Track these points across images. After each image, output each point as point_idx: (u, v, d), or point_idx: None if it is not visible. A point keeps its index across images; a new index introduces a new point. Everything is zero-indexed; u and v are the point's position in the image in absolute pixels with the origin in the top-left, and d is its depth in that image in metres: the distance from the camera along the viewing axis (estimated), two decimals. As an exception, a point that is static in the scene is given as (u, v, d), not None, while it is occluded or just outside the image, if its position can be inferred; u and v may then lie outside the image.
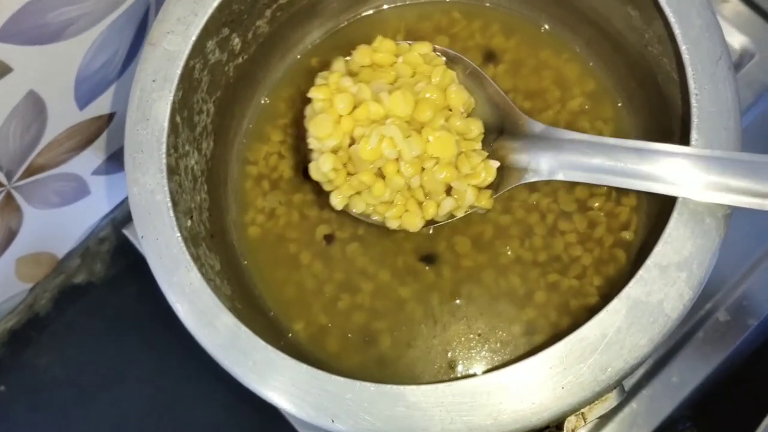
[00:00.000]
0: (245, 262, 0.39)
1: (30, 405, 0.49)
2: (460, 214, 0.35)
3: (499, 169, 0.34)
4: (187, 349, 0.46)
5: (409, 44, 0.36)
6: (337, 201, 0.34)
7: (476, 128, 0.34)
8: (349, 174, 0.34)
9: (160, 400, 0.48)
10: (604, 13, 0.37)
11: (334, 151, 0.34)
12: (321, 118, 0.33)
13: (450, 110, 0.34)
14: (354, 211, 0.35)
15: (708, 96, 0.29)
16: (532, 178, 0.34)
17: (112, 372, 0.49)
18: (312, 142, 0.34)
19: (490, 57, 0.40)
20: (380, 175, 0.33)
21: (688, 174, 0.29)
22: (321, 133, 0.33)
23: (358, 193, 0.34)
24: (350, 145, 0.33)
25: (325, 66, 0.37)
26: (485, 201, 0.35)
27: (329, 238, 0.39)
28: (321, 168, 0.34)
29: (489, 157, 0.34)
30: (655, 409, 0.41)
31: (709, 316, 0.41)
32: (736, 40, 0.45)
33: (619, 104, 0.39)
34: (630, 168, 0.31)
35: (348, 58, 0.36)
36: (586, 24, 0.39)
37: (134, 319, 0.49)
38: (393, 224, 0.35)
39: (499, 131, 0.36)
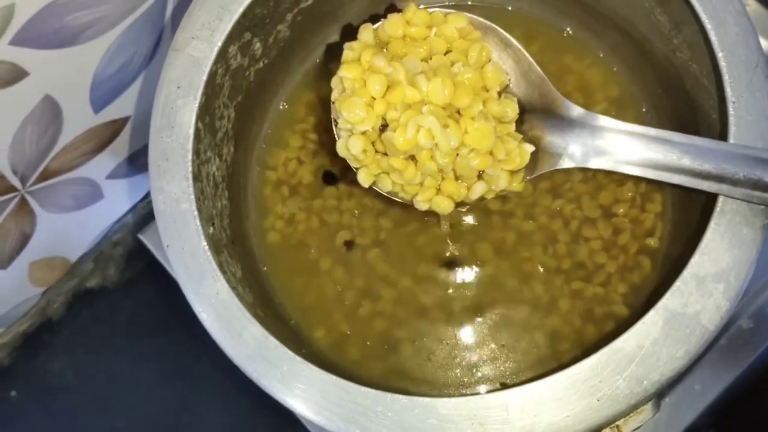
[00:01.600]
0: (265, 269, 0.39)
1: (42, 410, 0.48)
2: (490, 196, 0.33)
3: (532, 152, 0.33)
4: (201, 354, 0.47)
5: (444, 14, 0.33)
6: (364, 179, 0.33)
7: (512, 111, 0.32)
8: (377, 152, 0.32)
9: (173, 405, 0.48)
10: (630, 18, 0.37)
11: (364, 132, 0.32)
12: (353, 101, 0.31)
13: (486, 90, 0.32)
14: (381, 189, 0.34)
15: (745, 104, 0.29)
16: (566, 164, 0.33)
17: (124, 377, 0.48)
18: (342, 122, 0.32)
19: None
20: (412, 158, 0.32)
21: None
22: (353, 118, 0.31)
23: (387, 172, 0.33)
24: (381, 126, 0.32)
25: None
26: (517, 185, 0.33)
27: (349, 244, 0.39)
28: (350, 150, 0.32)
29: (522, 138, 0.33)
30: (678, 418, 0.40)
31: (732, 323, 0.41)
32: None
33: (644, 110, 0.39)
34: (669, 160, 0.30)
35: (376, 25, 0.33)
36: (611, 29, 0.38)
37: (147, 324, 0.49)
38: (422, 206, 0.33)
39: (526, 108, 0.34)
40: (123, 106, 0.42)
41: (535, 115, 0.34)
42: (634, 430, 0.27)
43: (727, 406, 0.41)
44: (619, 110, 0.39)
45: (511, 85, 0.34)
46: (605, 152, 0.32)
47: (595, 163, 0.32)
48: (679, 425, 0.40)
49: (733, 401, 0.41)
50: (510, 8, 0.41)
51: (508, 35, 0.34)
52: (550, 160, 0.33)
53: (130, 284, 0.50)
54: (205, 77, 0.32)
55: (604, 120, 0.32)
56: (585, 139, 0.32)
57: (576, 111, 0.33)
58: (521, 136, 0.33)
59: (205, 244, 0.30)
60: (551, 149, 0.33)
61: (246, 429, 0.46)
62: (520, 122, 0.33)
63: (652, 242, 0.37)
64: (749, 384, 0.41)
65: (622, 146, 0.31)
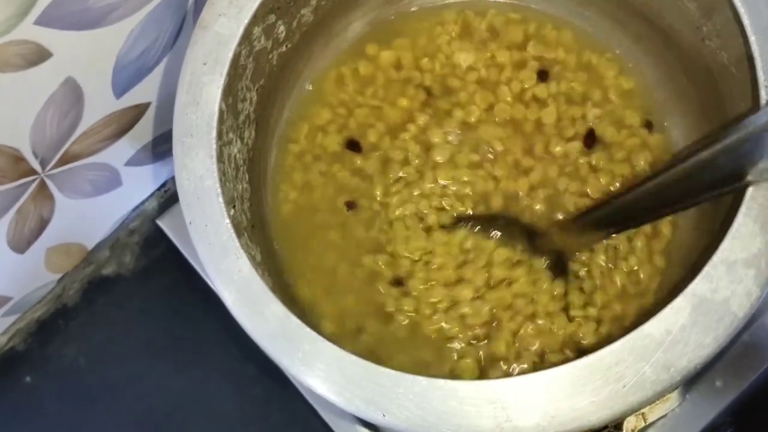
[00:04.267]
0: (277, 247, 0.39)
1: (56, 396, 0.48)
2: None
3: None
4: (215, 343, 0.46)
5: None
6: None
7: None
8: None
9: (187, 393, 0.47)
10: (656, 7, 0.36)
11: None
12: None
13: None
14: None
15: (778, 89, 0.29)
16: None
17: (139, 364, 0.48)
18: None
19: (542, 75, 0.40)
20: None
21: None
22: None
23: None
24: None
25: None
26: None
27: (351, 205, 0.39)
28: None
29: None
30: (698, 414, 0.40)
31: (755, 319, 0.40)
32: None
33: (664, 97, 0.39)
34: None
35: None
36: (636, 18, 0.38)
37: (163, 312, 0.49)
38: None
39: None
40: (144, 91, 0.42)
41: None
42: (660, 418, 0.27)
43: (748, 404, 0.40)
44: (642, 100, 0.39)
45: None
46: None
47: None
48: (699, 422, 0.40)
49: (755, 399, 0.40)
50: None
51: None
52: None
53: (146, 272, 0.50)
54: (231, 54, 0.32)
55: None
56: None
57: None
58: None
59: (228, 221, 0.30)
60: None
61: (259, 417, 0.46)
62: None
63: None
64: (771, 382, 0.40)
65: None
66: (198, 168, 0.31)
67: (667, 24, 0.36)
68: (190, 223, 0.30)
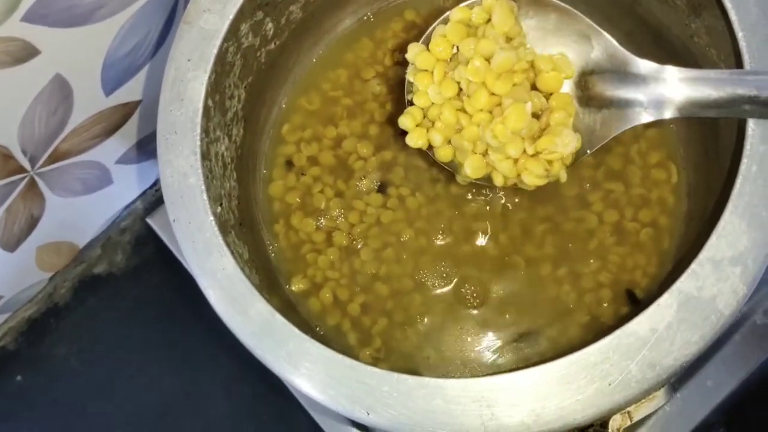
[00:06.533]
0: (273, 255, 0.38)
1: (47, 396, 0.48)
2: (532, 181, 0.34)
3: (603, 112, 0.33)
4: (206, 341, 0.46)
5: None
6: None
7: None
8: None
9: (179, 392, 0.47)
10: (646, 4, 0.36)
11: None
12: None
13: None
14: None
15: (765, 85, 0.28)
16: (644, 119, 0.32)
17: (130, 363, 0.48)
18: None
19: None
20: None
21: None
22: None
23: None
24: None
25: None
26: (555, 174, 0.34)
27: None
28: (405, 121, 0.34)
29: (590, 96, 0.33)
30: (689, 414, 0.39)
31: (746, 318, 0.40)
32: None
33: None
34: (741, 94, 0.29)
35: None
36: (627, 15, 0.38)
37: (153, 311, 0.49)
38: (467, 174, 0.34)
39: (595, 70, 0.34)
40: (134, 89, 0.42)
41: (605, 76, 0.33)
42: (647, 416, 0.27)
43: (739, 403, 0.40)
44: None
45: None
46: (681, 100, 0.31)
47: (671, 113, 0.31)
48: (690, 422, 0.39)
49: (746, 398, 0.40)
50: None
51: (567, 6, 0.34)
52: (625, 119, 0.32)
53: (137, 271, 0.50)
54: (215, 51, 0.31)
55: (675, 71, 0.31)
56: (660, 91, 0.31)
57: (647, 66, 0.32)
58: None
59: (212, 219, 0.30)
60: (626, 106, 0.32)
61: (250, 415, 0.46)
62: (587, 86, 0.33)
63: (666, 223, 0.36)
64: (762, 381, 0.40)
65: (695, 92, 0.30)
66: (182, 165, 0.30)
67: (656, 21, 0.36)
68: (174, 220, 0.30)
